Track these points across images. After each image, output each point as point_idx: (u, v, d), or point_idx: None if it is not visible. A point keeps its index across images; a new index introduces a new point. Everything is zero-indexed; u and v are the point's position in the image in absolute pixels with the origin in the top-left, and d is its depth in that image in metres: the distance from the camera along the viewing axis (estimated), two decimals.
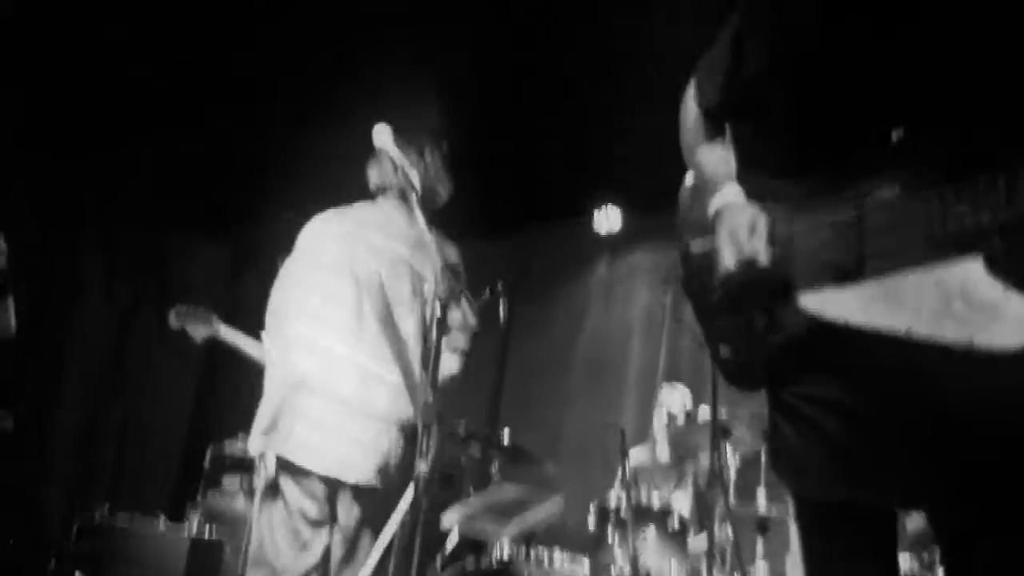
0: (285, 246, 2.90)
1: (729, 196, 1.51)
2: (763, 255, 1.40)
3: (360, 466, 2.55)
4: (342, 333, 2.59)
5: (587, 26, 4.13)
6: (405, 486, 2.31)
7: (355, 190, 2.90)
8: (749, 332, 1.48)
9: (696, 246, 1.63)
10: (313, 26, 4.45)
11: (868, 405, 1.32)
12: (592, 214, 5.50)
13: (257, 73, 4.80)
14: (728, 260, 1.44)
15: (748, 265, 1.41)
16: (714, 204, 1.53)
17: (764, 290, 1.43)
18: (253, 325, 6.54)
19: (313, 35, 4.51)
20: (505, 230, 5.79)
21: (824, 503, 1.40)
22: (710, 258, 1.54)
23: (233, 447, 5.54)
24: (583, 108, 4.70)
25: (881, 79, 1.36)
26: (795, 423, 1.41)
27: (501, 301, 4.00)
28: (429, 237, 2.51)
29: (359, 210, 2.83)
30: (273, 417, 2.60)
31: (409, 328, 2.69)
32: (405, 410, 2.62)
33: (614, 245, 5.64)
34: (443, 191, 2.89)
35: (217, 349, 6.61)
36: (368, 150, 2.78)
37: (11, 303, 3.14)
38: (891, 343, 1.25)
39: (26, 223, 5.42)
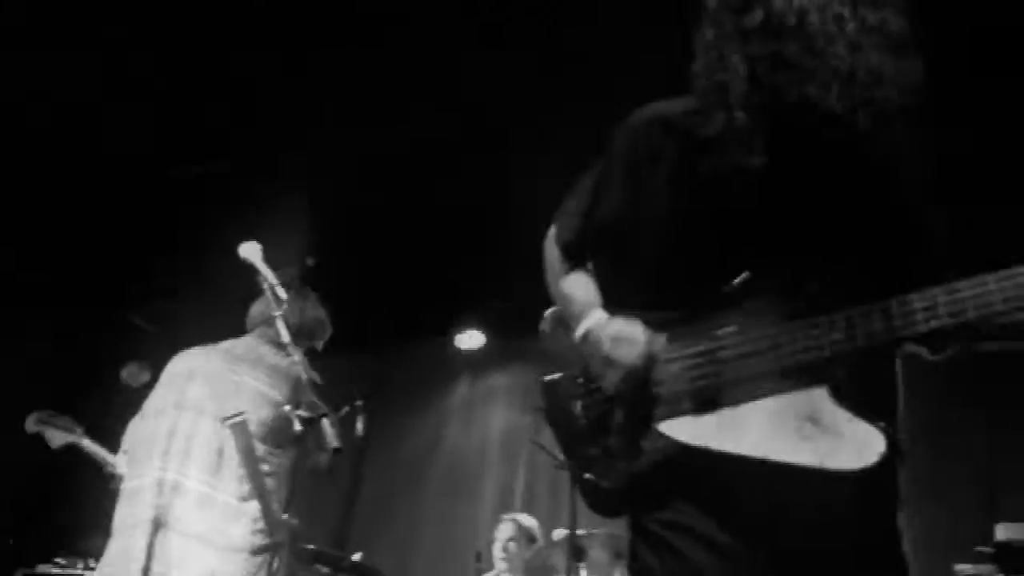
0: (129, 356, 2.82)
1: (595, 318, 1.57)
2: (639, 359, 1.46)
3: None
4: (203, 473, 2.55)
5: (466, 158, 4.33)
6: None
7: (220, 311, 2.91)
8: (611, 458, 1.51)
9: (560, 373, 1.68)
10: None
11: (731, 533, 1.34)
12: (454, 336, 5.59)
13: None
14: (622, 357, 1.47)
15: (625, 371, 1.47)
16: (582, 327, 1.58)
17: (628, 417, 1.48)
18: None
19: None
20: (367, 345, 5.77)
21: None
22: (574, 385, 1.60)
23: (48, 571, 5.06)
24: (452, 234, 4.86)
25: (727, 229, 1.45)
26: (658, 551, 1.41)
27: (359, 416, 3.99)
28: (297, 357, 2.50)
29: (227, 348, 2.82)
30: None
31: (271, 460, 2.64)
32: (262, 539, 2.57)
33: (475, 366, 5.72)
34: (322, 328, 2.93)
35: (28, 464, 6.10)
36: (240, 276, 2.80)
37: None
38: (751, 468, 1.31)
39: None
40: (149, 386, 6.64)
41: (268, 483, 2.59)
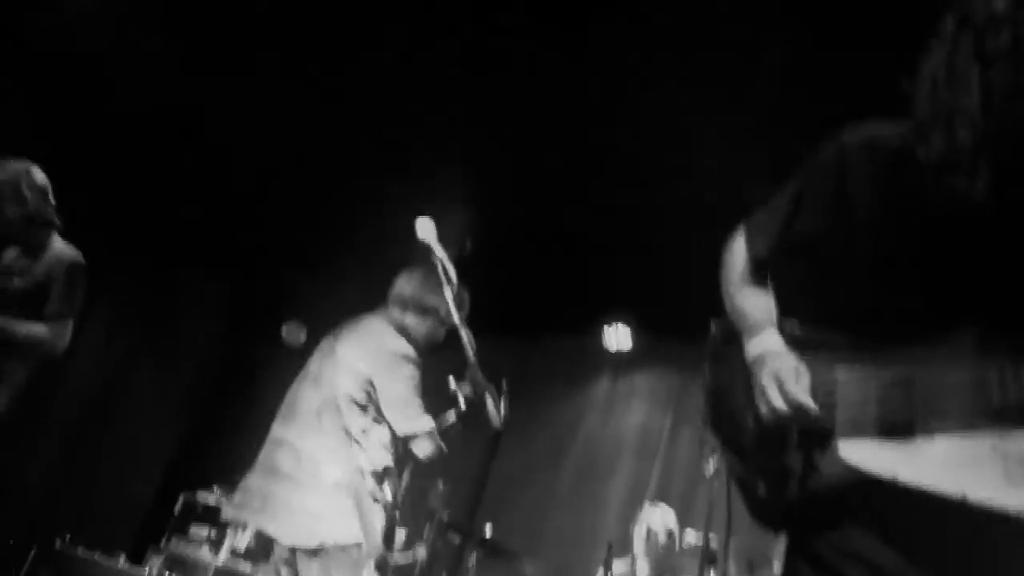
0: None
1: (770, 342, 1.54)
2: (807, 401, 1.41)
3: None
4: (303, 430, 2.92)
5: (623, 149, 4.32)
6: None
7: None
8: (785, 474, 1.47)
9: (727, 386, 1.65)
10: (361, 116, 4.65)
11: (913, 568, 1.29)
12: (603, 329, 5.61)
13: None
14: (774, 401, 1.44)
15: (794, 410, 1.43)
16: (755, 347, 1.56)
17: (806, 435, 1.44)
18: (250, 381, 6.60)
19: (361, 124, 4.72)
20: (515, 332, 5.87)
21: None
22: (747, 395, 1.56)
23: (206, 498, 5.49)
24: (612, 228, 4.87)
25: (939, 260, 1.38)
26: (821, 573, 1.37)
27: (502, 398, 4.07)
28: (465, 335, 2.60)
29: (352, 325, 3.09)
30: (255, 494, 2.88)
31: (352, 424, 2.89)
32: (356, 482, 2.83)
33: (619, 363, 5.71)
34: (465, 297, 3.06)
35: (202, 400, 6.63)
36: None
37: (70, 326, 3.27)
38: (944, 505, 1.23)
39: None
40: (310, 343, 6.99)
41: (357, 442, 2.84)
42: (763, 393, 1.47)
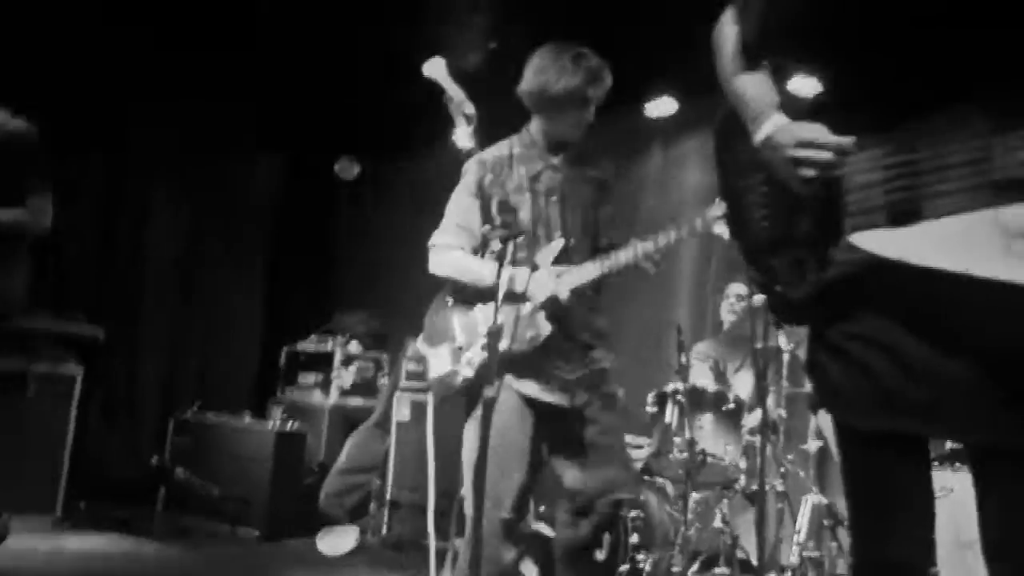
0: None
1: (777, 121, 1.50)
2: (842, 140, 1.41)
3: None
4: None
5: None
6: None
7: None
8: (799, 268, 1.49)
9: (742, 181, 1.62)
10: None
11: (925, 343, 1.31)
12: (643, 105, 5.44)
13: None
14: (815, 156, 1.43)
15: (827, 168, 1.42)
16: (764, 130, 1.51)
17: (819, 225, 1.44)
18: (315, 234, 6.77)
19: None
20: None
21: (868, 432, 1.43)
22: (756, 194, 1.55)
23: (306, 346, 5.87)
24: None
25: (928, 31, 1.33)
26: (840, 361, 1.41)
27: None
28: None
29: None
30: None
31: None
32: None
33: (667, 132, 5.57)
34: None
35: (280, 261, 6.89)
36: None
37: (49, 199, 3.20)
38: (951, 281, 1.26)
39: (91, 150, 5.62)
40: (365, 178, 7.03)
41: None
42: (792, 163, 1.45)
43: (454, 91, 2.63)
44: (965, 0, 1.30)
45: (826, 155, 1.42)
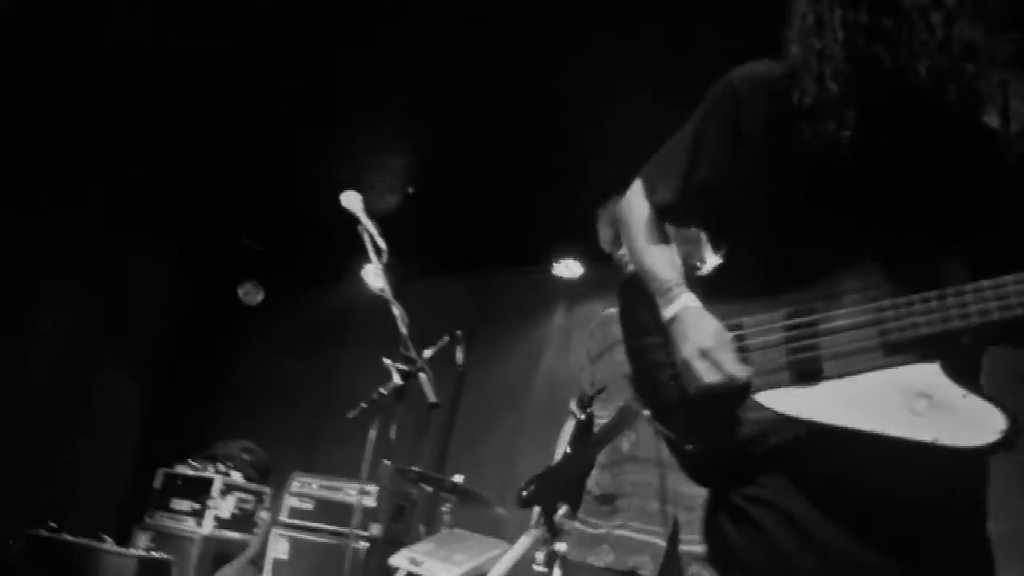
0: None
1: (685, 301, 1.53)
2: (740, 373, 1.42)
3: None
4: None
5: (557, 86, 4.31)
6: None
7: None
8: (709, 429, 1.49)
9: (648, 340, 1.64)
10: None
11: (825, 521, 1.31)
12: (552, 265, 5.70)
13: None
14: (704, 376, 1.44)
15: (728, 381, 1.42)
16: (671, 308, 1.54)
17: (734, 398, 1.45)
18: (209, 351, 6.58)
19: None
20: (466, 273, 5.95)
21: None
22: (661, 352, 1.57)
23: (184, 470, 5.60)
24: (553, 163, 4.89)
25: (826, 201, 1.41)
26: (741, 525, 1.40)
27: (458, 345, 4.18)
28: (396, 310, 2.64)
29: None
30: None
31: None
32: None
33: (572, 293, 5.82)
34: None
35: (167, 376, 6.65)
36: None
37: None
38: (860, 442, 1.28)
39: None
40: (266, 305, 7.02)
41: None
42: (688, 368, 1.47)
43: (368, 225, 2.75)
44: (852, 182, 1.39)
45: (719, 378, 1.43)
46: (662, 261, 1.62)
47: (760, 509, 1.38)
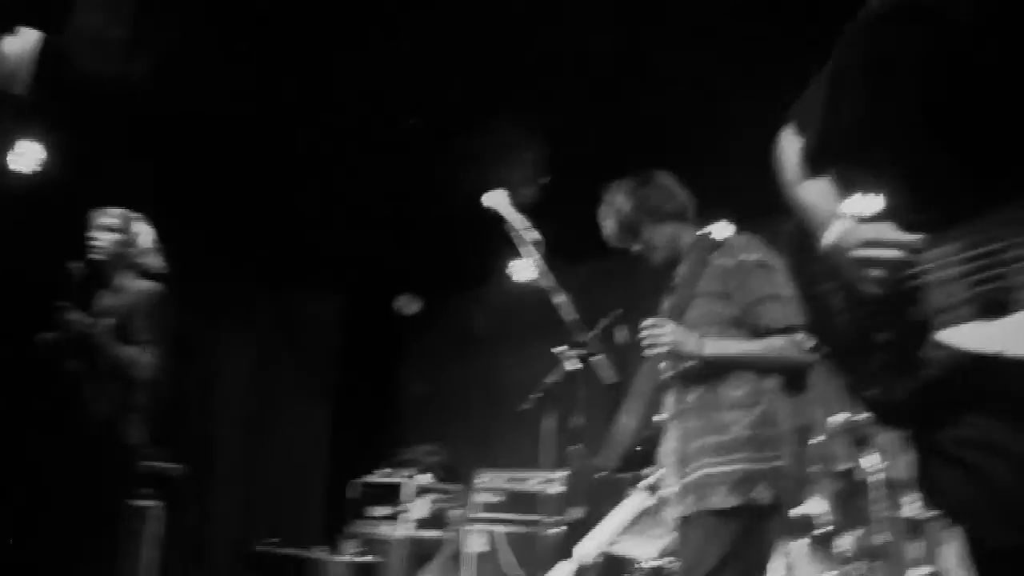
0: None
1: (843, 224, 1.49)
2: (908, 237, 1.39)
3: None
4: None
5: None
6: None
7: None
8: (892, 370, 1.44)
9: (821, 288, 1.61)
10: None
11: None
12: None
13: None
14: (880, 254, 1.41)
15: (895, 267, 1.40)
16: (830, 236, 1.50)
17: (905, 328, 1.40)
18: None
19: None
20: (608, 253, 5.84)
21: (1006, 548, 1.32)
22: (836, 298, 1.54)
23: (376, 479, 5.86)
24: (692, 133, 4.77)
25: (997, 120, 1.34)
26: (956, 471, 1.35)
27: (618, 326, 4.12)
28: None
29: None
30: None
31: None
32: None
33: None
34: None
35: (345, 394, 7.00)
36: None
37: (155, 352, 3.47)
38: None
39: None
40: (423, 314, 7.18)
41: None
42: (859, 264, 1.43)
43: (517, 220, 2.71)
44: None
45: (892, 253, 1.40)
46: (816, 195, 1.60)
47: (971, 451, 1.33)
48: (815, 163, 1.62)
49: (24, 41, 4.04)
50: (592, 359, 2.33)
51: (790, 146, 1.66)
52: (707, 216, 5.49)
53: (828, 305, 1.60)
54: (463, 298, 6.88)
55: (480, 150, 5.06)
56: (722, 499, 2.22)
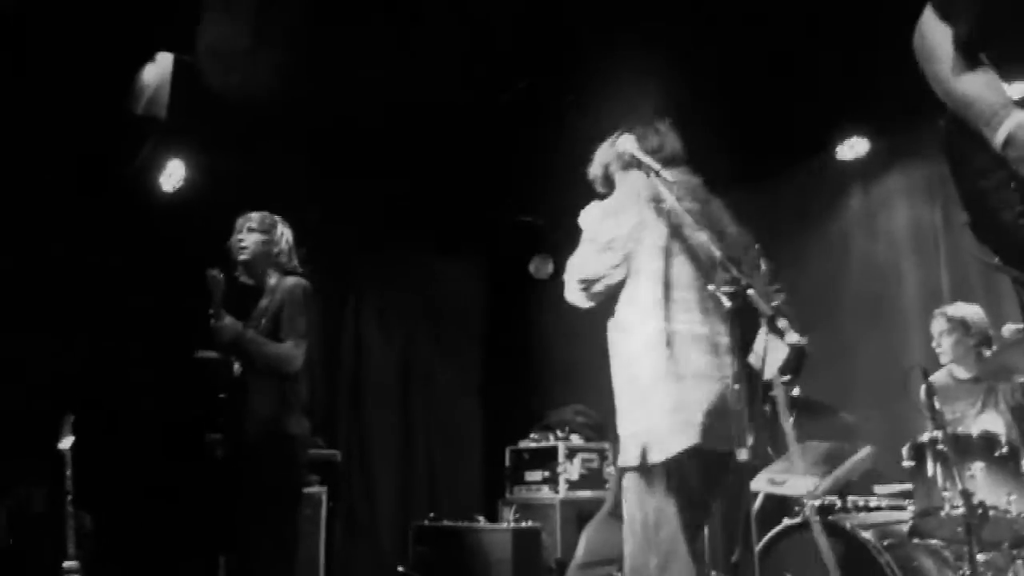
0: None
1: (1019, 117, 1.39)
2: None
3: None
4: None
5: None
6: None
7: None
8: None
9: (985, 183, 1.51)
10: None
11: None
12: (835, 150, 5.24)
13: None
14: None
15: None
16: (1005, 128, 1.41)
17: None
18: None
19: None
20: (746, 178, 5.62)
21: None
22: (1007, 193, 1.45)
23: (527, 444, 5.93)
24: (815, 44, 4.50)
25: None
26: None
27: (761, 258, 3.95)
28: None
29: None
30: None
31: None
32: None
33: (865, 172, 5.31)
34: None
35: (489, 363, 7.11)
36: None
37: (303, 347, 3.57)
38: None
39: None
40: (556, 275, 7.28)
41: None
42: None
43: (651, 164, 2.63)
44: None
45: None
46: (979, 85, 1.48)
47: None
48: (972, 50, 1.50)
49: (161, 66, 4.26)
50: (748, 293, 2.21)
51: (938, 35, 1.54)
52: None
53: (991, 201, 1.51)
54: None
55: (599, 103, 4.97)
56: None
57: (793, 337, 2.29)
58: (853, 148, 5.16)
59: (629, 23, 4.46)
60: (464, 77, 4.87)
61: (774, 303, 2.47)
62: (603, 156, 2.87)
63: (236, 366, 3.60)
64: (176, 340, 4.26)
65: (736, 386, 2.22)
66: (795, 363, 2.48)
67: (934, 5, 1.54)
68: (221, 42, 3.88)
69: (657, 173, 2.57)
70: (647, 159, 2.63)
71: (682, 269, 2.57)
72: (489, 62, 4.79)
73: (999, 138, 1.41)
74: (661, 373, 2.48)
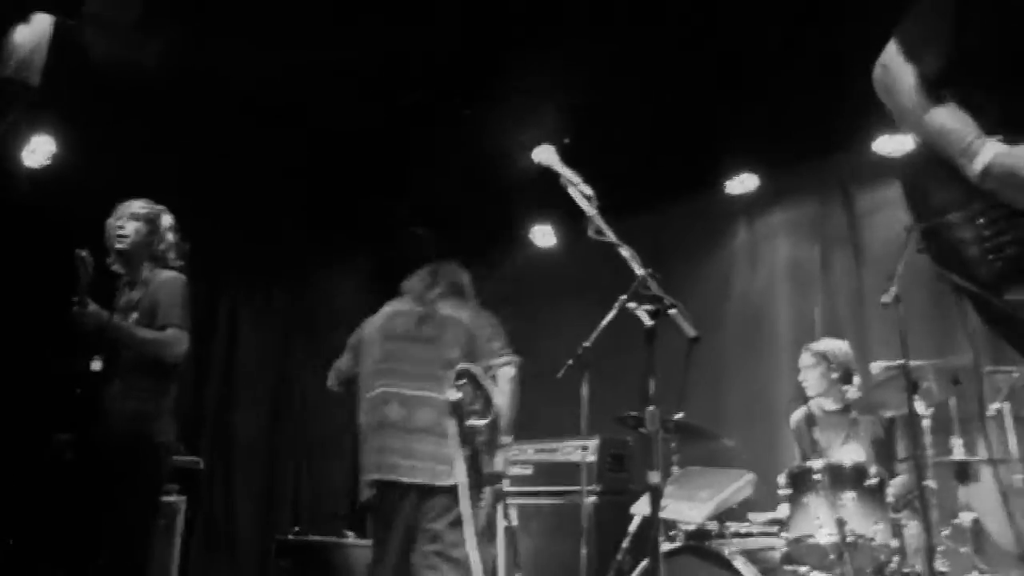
0: None
1: (995, 148, 1.43)
2: None
3: None
4: None
5: None
6: None
7: None
8: None
9: (952, 217, 1.54)
10: None
11: None
12: (724, 184, 5.40)
13: None
14: None
15: None
16: (981, 159, 1.44)
17: None
18: None
19: None
20: (635, 209, 5.71)
21: None
22: (969, 227, 1.48)
23: None
24: (707, 82, 4.61)
25: None
26: None
27: (652, 282, 3.97)
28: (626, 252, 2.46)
29: None
30: None
31: None
32: None
33: (750, 208, 5.50)
34: None
35: None
36: None
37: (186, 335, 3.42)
38: None
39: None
40: None
41: None
42: (1016, 195, 1.39)
43: (568, 175, 2.57)
44: None
45: None
46: (951, 119, 1.51)
47: None
48: (936, 86, 1.54)
49: (38, 28, 3.88)
50: (669, 312, 2.16)
51: (904, 71, 1.57)
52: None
53: (954, 238, 1.53)
54: (485, 261, 6.73)
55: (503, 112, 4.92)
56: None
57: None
58: (743, 183, 5.32)
59: (527, 49, 4.47)
60: (362, 75, 4.71)
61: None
62: None
63: (95, 362, 3.31)
64: (18, 327, 3.88)
65: None
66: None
67: (900, 45, 1.57)
68: (110, 8, 3.59)
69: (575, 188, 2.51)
70: (565, 171, 2.57)
71: None
72: (390, 65, 4.66)
73: (976, 167, 1.45)
74: None
